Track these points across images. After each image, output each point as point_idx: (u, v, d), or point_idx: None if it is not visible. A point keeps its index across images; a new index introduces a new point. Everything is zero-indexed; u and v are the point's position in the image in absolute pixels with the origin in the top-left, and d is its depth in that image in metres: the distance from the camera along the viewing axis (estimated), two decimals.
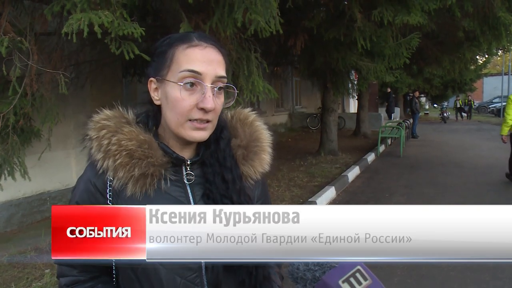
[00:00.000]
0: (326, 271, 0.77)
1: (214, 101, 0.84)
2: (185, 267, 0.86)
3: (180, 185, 0.89)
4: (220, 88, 0.86)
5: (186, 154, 0.92)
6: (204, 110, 0.84)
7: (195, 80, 0.83)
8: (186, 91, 0.83)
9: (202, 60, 0.84)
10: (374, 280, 0.75)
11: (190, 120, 0.85)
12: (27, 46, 3.07)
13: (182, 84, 0.83)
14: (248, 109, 1.02)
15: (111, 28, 2.73)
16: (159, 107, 0.90)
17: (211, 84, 0.84)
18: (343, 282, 0.74)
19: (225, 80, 0.87)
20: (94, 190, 0.88)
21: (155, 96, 0.89)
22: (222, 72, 0.87)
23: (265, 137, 0.99)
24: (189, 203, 0.88)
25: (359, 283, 0.74)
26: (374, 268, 0.74)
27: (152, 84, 0.89)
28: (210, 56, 0.85)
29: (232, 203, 0.88)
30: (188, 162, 0.90)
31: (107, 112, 0.91)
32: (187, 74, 0.83)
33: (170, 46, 0.87)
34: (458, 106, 25.47)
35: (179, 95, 0.83)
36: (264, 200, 1.02)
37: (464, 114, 25.48)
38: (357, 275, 0.74)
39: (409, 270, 3.52)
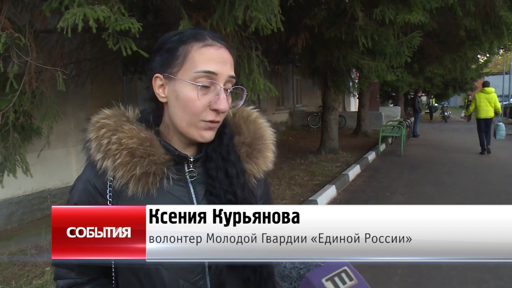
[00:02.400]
0: (311, 269, 0.76)
1: (227, 103, 0.85)
2: (188, 270, 0.84)
3: (182, 184, 0.88)
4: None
5: (189, 152, 0.90)
6: (217, 111, 0.83)
7: (210, 82, 0.83)
8: (200, 91, 0.83)
9: (218, 60, 0.84)
10: (360, 281, 0.75)
11: (202, 120, 0.84)
12: (24, 42, 3.06)
13: (200, 85, 0.82)
14: (251, 107, 1.01)
15: (108, 23, 2.72)
16: (162, 104, 0.89)
17: (224, 84, 0.84)
18: (326, 280, 0.74)
19: (234, 80, 0.87)
20: (93, 190, 0.86)
21: (161, 93, 0.87)
22: (233, 72, 0.87)
23: (269, 134, 0.98)
24: (192, 202, 0.87)
25: (344, 283, 0.73)
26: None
27: (158, 81, 0.86)
28: (224, 56, 0.85)
29: (236, 198, 0.87)
30: (191, 159, 0.89)
31: (107, 111, 0.89)
32: (204, 75, 0.82)
33: (183, 43, 0.84)
34: (431, 104, 24.79)
35: (193, 95, 0.82)
36: (266, 199, 1.01)
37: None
38: (343, 275, 0.74)
39: (409, 269, 3.52)
